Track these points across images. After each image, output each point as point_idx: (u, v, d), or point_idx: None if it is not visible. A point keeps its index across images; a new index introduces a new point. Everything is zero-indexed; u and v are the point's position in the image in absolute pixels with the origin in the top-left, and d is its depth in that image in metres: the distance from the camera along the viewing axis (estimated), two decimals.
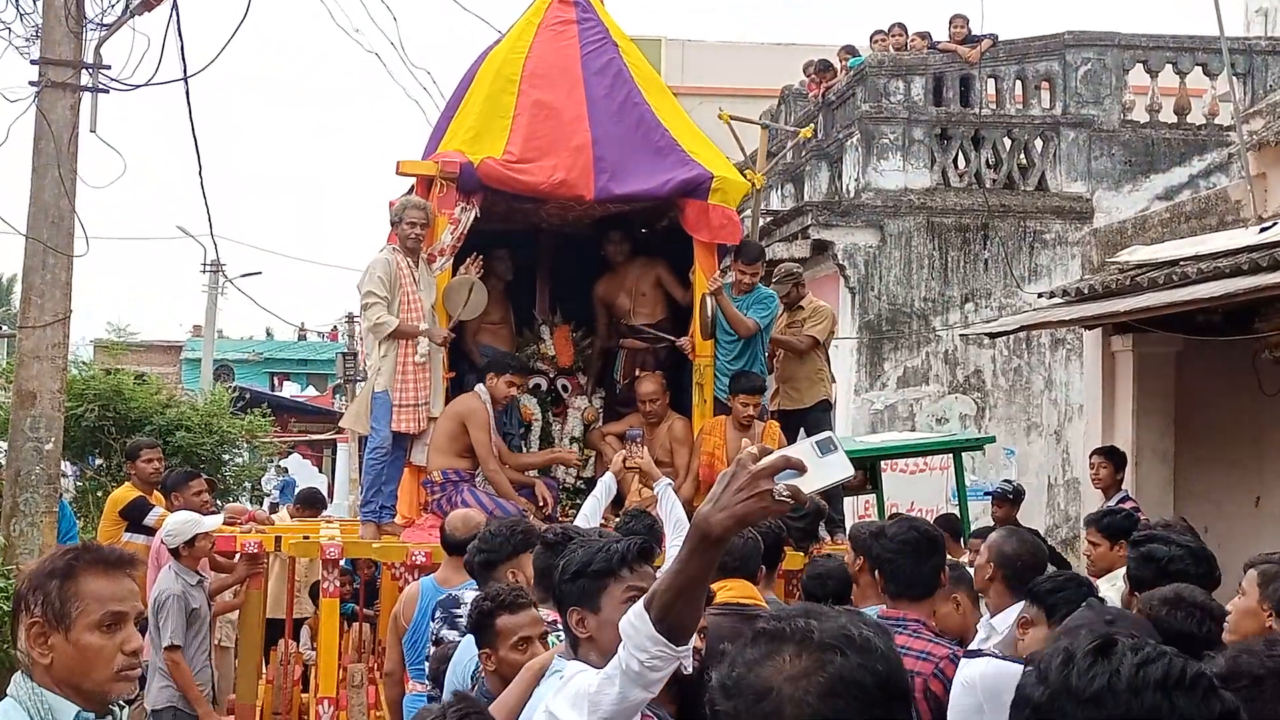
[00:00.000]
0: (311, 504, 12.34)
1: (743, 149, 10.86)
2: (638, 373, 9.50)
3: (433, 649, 5.77)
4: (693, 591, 2.71)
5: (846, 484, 9.65)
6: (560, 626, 3.58)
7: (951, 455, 13.31)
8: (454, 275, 8.93)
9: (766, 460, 2.53)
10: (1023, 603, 4.69)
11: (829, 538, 8.70)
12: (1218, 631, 4.13)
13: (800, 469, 2.54)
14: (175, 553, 7.89)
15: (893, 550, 4.70)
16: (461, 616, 5.68)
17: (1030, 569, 5.07)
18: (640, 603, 2.76)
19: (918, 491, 14.55)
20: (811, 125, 12.96)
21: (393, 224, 8.67)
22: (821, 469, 2.59)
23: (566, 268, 10.21)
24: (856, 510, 13.52)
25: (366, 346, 8.81)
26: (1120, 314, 10.05)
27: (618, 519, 7.08)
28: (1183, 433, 11.45)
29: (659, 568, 3.47)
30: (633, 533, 5.78)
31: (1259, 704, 2.91)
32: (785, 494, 2.52)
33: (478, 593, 5.47)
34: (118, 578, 3.03)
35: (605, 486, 7.07)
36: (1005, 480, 12.48)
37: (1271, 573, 4.49)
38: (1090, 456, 10.43)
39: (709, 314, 8.99)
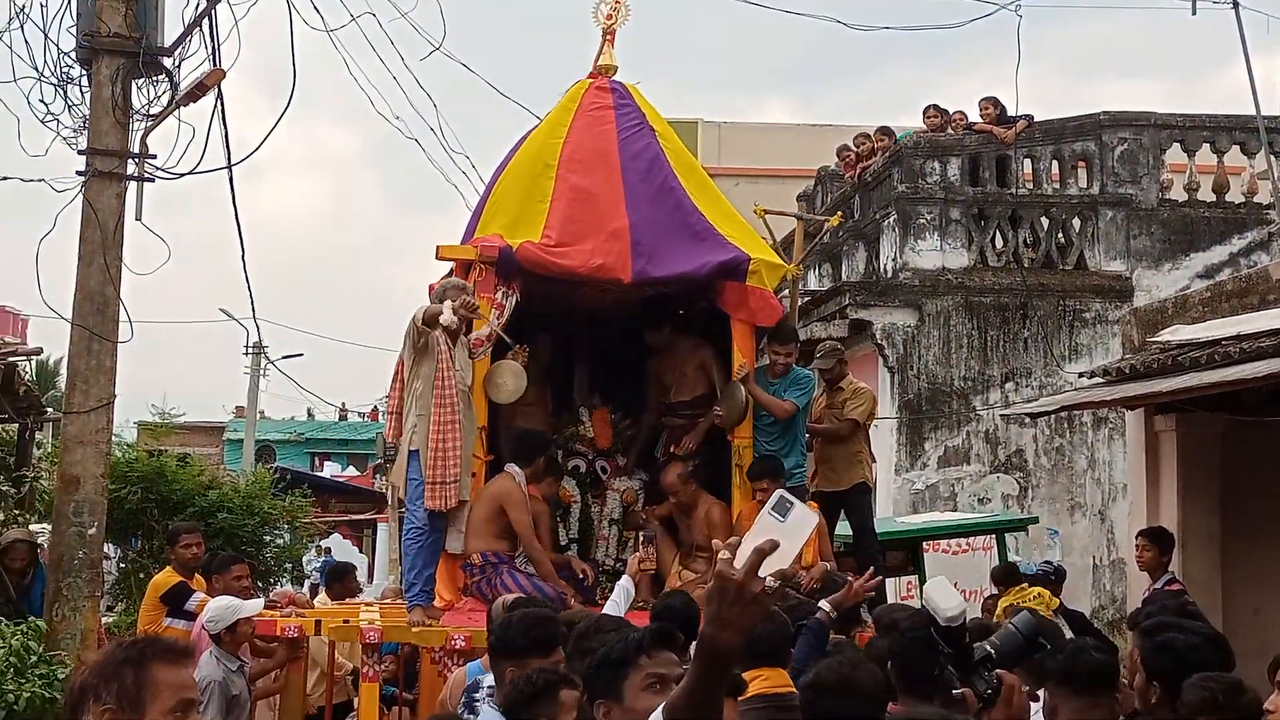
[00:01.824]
0: (340, 578, 12.22)
1: (772, 235, 10.92)
2: (673, 449, 9.47)
3: None
4: (710, 706, 2.73)
5: (887, 564, 9.61)
6: None
7: (994, 536, 13.21)
8: (493, 358, 8.98)
9: (746, 566, 2.54)
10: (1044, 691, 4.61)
11: (870, 620, 8.60)
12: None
13: (775, 548, 2.55)
14: (217, 638, 7.88)
15: (901, 645, 4.58)
16: (480, 700, 5.67)
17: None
18: (661, 714, 2.77)
19: (960, 572, 14.38)
20: (839, 214, 13.05)
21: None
22: (791, 532, 2.61)
23: (604, 350, 10.24)
24: (899, 592, 13.40)
25: (405, 405, 8.74)
26: (1163, 394, 9.98)
27: (655, 600, 7.07)
28: (1229, 513, 11.29)
29: None
30: (668, 611, 5.75)
31: None
32: (774, 584, 2.54)
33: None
34: (183, 666, 3.17)
35: (624, 590, 7.07)
36: (1045, 561, 12.37)
37: None
38: (1135, 538, 10.32)
39: (742, 400, 8.98)
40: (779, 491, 2.72)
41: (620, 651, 3.35)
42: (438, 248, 9.05)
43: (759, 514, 2.67)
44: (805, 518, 2.64)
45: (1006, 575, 11.55)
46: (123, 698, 3.03)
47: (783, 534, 2.58)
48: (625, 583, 7.21)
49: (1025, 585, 10.90)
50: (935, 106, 16.51)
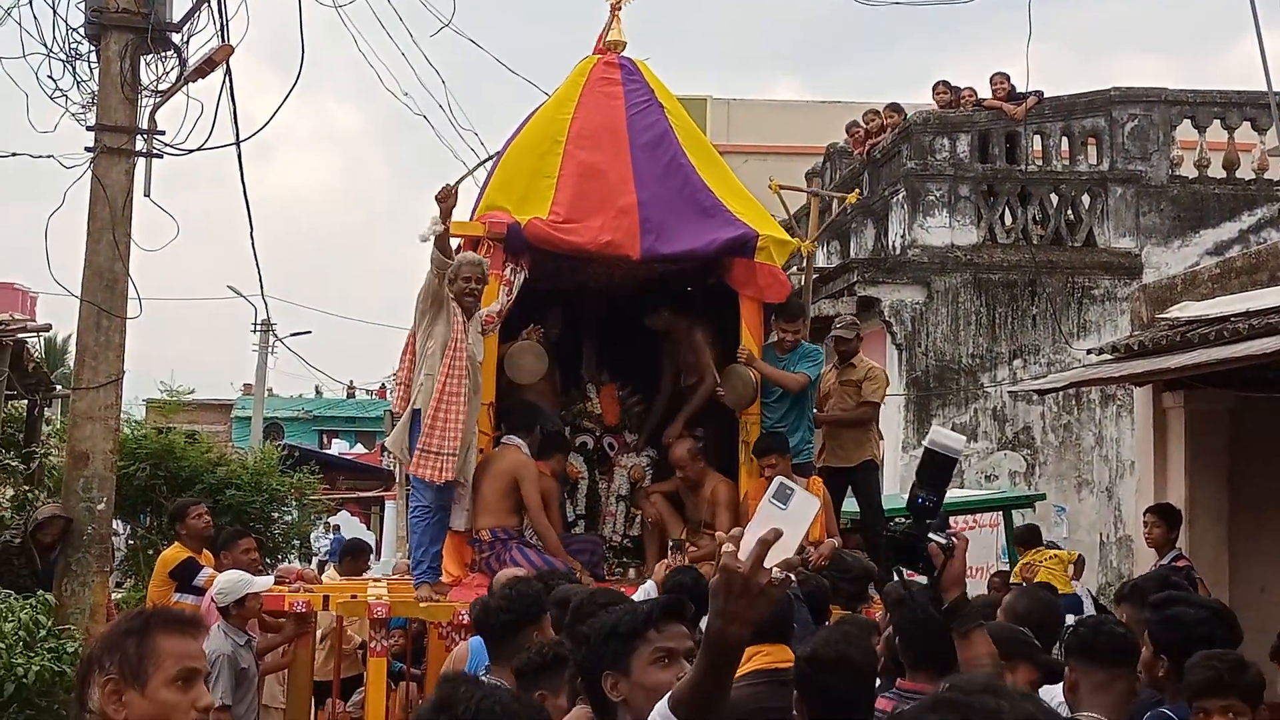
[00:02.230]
0: (356, 554, 12.27)
1: (788, 210, 10.89)
2: (683, 432, 9.48)
3: None
4: (717, 699, 2.70)
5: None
6: None
7: (1002, 512, 13.23)
8: (501, 335, 8.98)
9: (752, 558, 2.52)
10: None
11: (878, 598, 8.61)
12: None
13: (778, 537, 2.53)
14: (225, 612, 7.91)
15: (912, 619, 4.57)
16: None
17: (1048, 626, 4.97)
18: (667, 704, 2.73)
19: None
20: (857, 190, 13.00)
21: (448, 281, 8.42)
22: (793, 519, 2.58)
23: (613, 327, 10.24)
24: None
25: (415, 367, 8.71)
26: (1171, 370, 9.95)
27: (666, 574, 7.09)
28: (1237, 490, 11.28)
29: None
30: (677, 587, 5.77)
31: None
32: (780, 575, 2.52)
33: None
34: (190, 637, 3.13)
35: (646, 595, 7.06)
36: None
37: None
38: (1144, 514, 10.32)
39: (748, 382, 8.96)
40: (779, 479, 2.68)
41: (629, 624, 3.32)
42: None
43: (760, 503, 2.64)
44: (807, 504, 2.61)
45: (1027, 536, 12.17)
46: (125, 667, 3.02)
47: (784, 522, 2.55)
48: (649, 587, 7.21)
49: (1043, 546, 11.75)
50: (945, 83, 16.44)
